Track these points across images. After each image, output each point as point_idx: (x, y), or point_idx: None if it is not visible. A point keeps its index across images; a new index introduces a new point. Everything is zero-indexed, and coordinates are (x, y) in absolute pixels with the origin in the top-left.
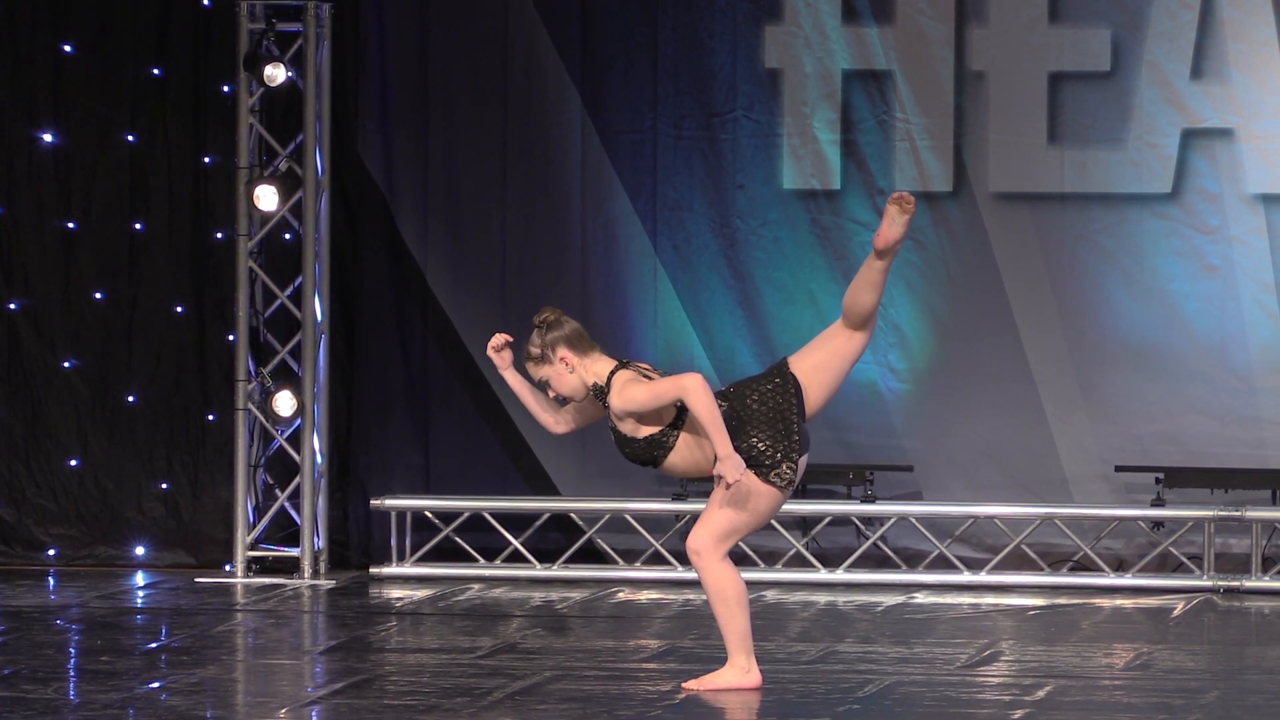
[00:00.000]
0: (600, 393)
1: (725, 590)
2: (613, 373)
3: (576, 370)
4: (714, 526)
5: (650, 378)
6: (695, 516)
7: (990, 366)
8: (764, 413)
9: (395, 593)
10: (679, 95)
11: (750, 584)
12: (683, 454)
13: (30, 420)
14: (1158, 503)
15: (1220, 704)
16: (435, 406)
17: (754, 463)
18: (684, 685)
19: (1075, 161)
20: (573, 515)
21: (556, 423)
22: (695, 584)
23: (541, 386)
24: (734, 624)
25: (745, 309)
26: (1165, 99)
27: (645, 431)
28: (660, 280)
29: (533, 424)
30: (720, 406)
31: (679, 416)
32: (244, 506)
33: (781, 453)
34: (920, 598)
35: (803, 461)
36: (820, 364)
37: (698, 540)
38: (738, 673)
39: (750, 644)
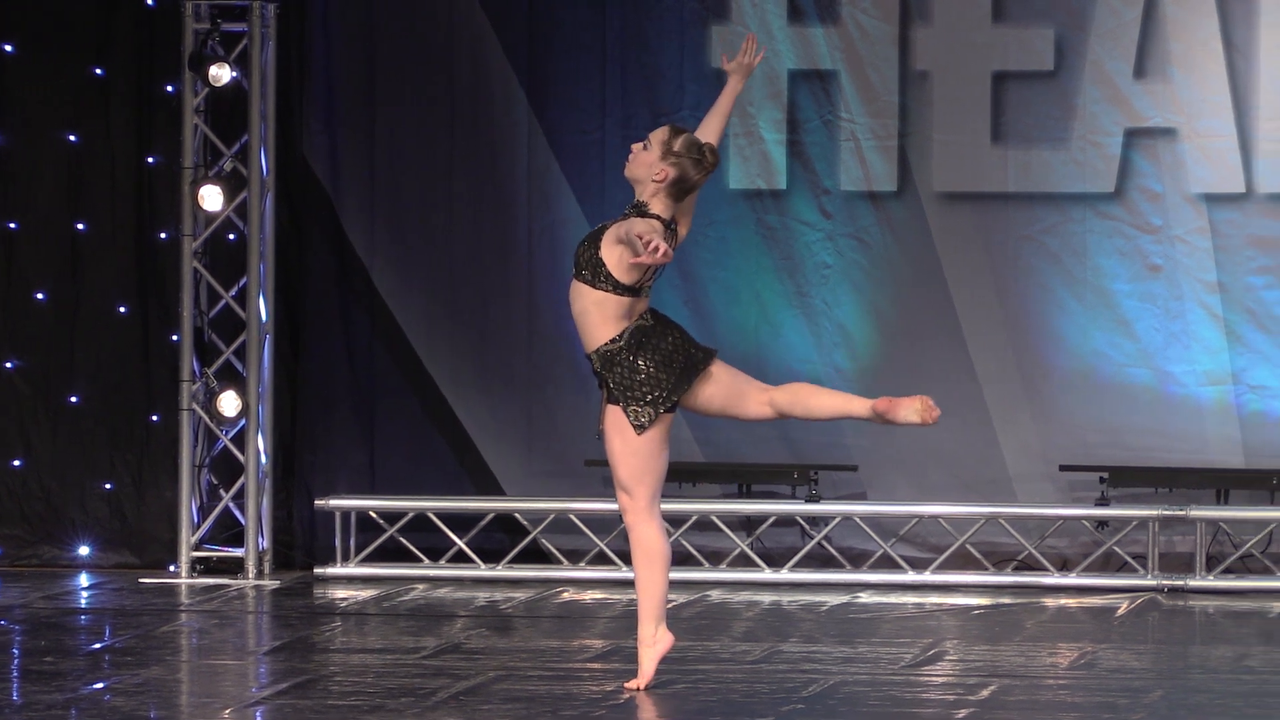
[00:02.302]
0: (638, 208)
1: (646, 554)
2: (659, 217)
3: (654, 184)
4: (619, 478)
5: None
6: None
7: (935, 366)
8: (671, 355)
9: (340, 593)
10: (626, 95)
11: (694, 584)
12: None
13: None
14: (1102, 502)
15: (1164, 703)
16: (380, 406)
17: (625, 389)
18: (625, 686)
19: (1019, 161)
20: (517, 515)
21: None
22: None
23: (646, 140)
24: (647, 590)
25: (691, 309)
26: (1108, 98)
27: (615, 270)
28: None
29: (479, 423)
30: (645, 321)
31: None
32: (188, 507)
33: (654, 397)
34: (864, 597)
35: (664, 423)
36: (727, 385)
37: (620, 500)
38: (646, 648)
39: (661, 610)
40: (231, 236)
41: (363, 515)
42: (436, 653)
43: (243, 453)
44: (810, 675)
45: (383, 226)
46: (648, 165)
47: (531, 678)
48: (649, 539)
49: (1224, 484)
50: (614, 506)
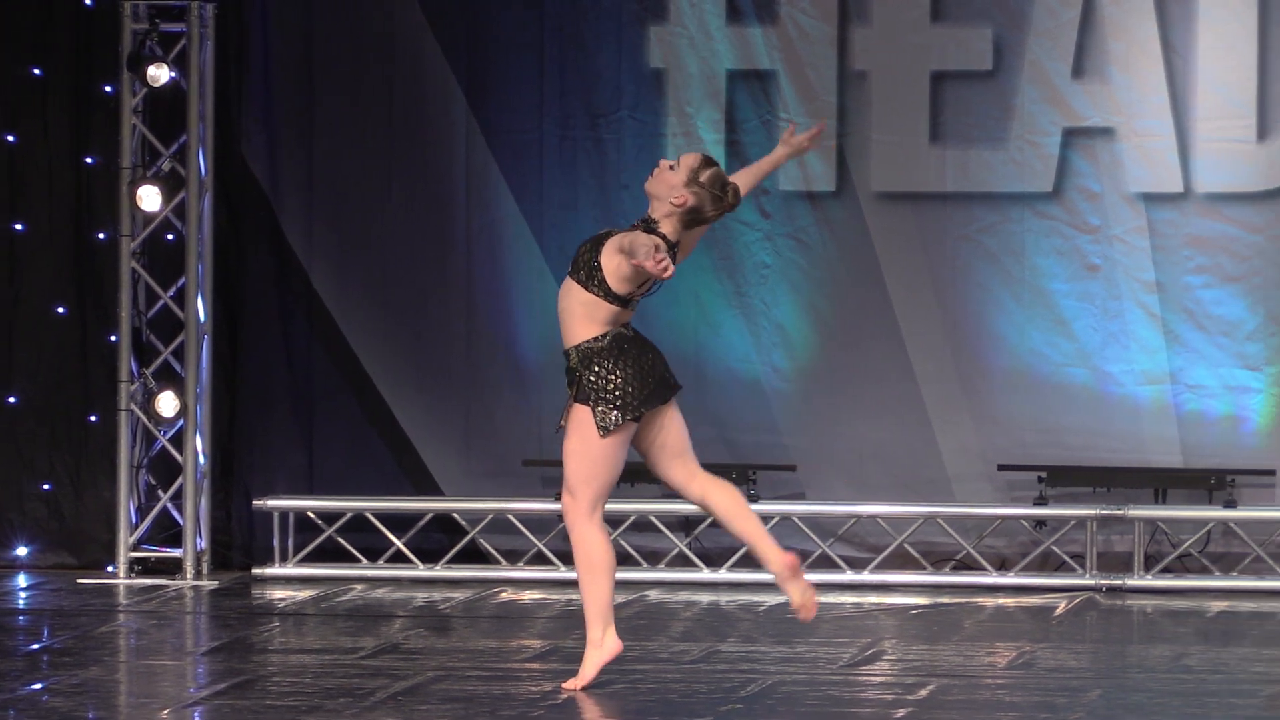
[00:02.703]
0: (647, 223)
1: (590, 558)
2: (665, 238)
3: (670, 205)
4: (569, 476)
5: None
6: None
7: (873, 366)
8: (649, 370)
9: (278, 593)
10: (564, 95)
11: (633, 584)
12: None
13: None
14: (1040, 501)
15: (1103, 703)
16: (319, 407)
17: (597, 389)
18: (563, 686)
19: (957, 161)
20: (456, 515)
21: None
22: (577, 584)
23: (673, 162)
24: (593, 594)
25: None
26: (1046, 98)
27: (610, 278)
28: (545, 281)
29: (417, 424)
30: (627, 332)
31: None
32: (126, 507)
33: (624, 403)
34: None
35: (626, 432)
36: (675, 435)
37: (565, 500)
38: (593, 651)
39: (609, 614)
40: (170, 237)
41: (301, 515)
42: (375, 653)
43: (181, 453)
44: (748, 675)
45: (321, 226)
46: (670, 186)
47: (470, 678)
48: (589, 543)
49: (1162, 483)
50: (553, 507)
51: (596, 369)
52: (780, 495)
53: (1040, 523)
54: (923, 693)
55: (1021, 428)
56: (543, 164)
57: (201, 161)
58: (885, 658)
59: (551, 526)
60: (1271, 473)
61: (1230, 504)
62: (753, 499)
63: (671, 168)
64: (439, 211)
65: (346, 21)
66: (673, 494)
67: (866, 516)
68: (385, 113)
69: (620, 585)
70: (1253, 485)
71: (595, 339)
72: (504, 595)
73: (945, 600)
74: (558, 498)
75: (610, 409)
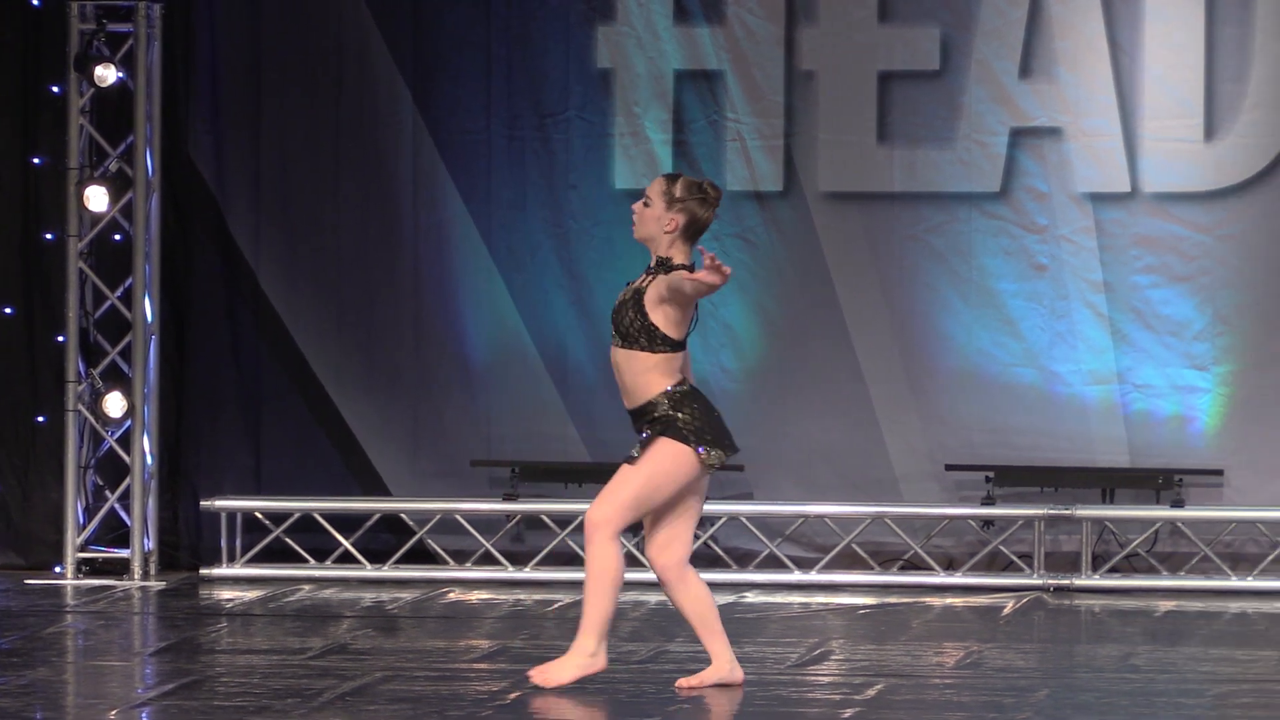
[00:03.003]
0: (667, 267)
1: (607, 572)
2: (684, 266)
3: (667, 236)
4: (621, 495)
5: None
6: (525, 518)
7: (821, 366)
8: (721, 420)
9: (225, 594)
10: (512, 95)
11: (580, 584)
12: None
13: None
14: (988, 501)
15: (1050, 702)
16: (266, 407)
17: (696, 429)
18: (530, 674)
19: (904, 161)
20: (403, 516)
21: None
22: (525, 584)
23: (644, 198)
24: (599, 606)
25: (578, 309)
26: (994, 98)
27: (667, 329)
28: (493, 280)
29: (364, 424)
30: (686, 383)
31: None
32: (74, 508)
33: (724, 442)
34: (750, 597)
35: (705, 479)
36: (694, 507)
37: (600, 513)
38: (583, 658)
39: (606, 630)
40: (117, 237)
41: (248, 516)
42: (322, 653)
43: (128, 454)
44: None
45: (268, 226)
46: (656, 219)
47: (418, 678)
48: (609, 556)
49: (1109, 483)
50: (500, 506)
51: (690, 410)
52: (728, 495)
53: (988, 523)
54: (870, 692)
55: (969, 428)
56: (490, 164)
57: (149, 162)
58: (833, 658)
59: (499, 526)
60: (1219, 472)
61: (1178, 504)
62: None
63: (646, 203)
64: (386, 211)
65: (293, 22)
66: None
67: (814, 516)
68: (332, 113)
69: (567, 586)
70: (1200, 485)
71: (678, 384)
72: (452, 595)
73: (893, 600)
74: (504, 497)
75: (713, 448)
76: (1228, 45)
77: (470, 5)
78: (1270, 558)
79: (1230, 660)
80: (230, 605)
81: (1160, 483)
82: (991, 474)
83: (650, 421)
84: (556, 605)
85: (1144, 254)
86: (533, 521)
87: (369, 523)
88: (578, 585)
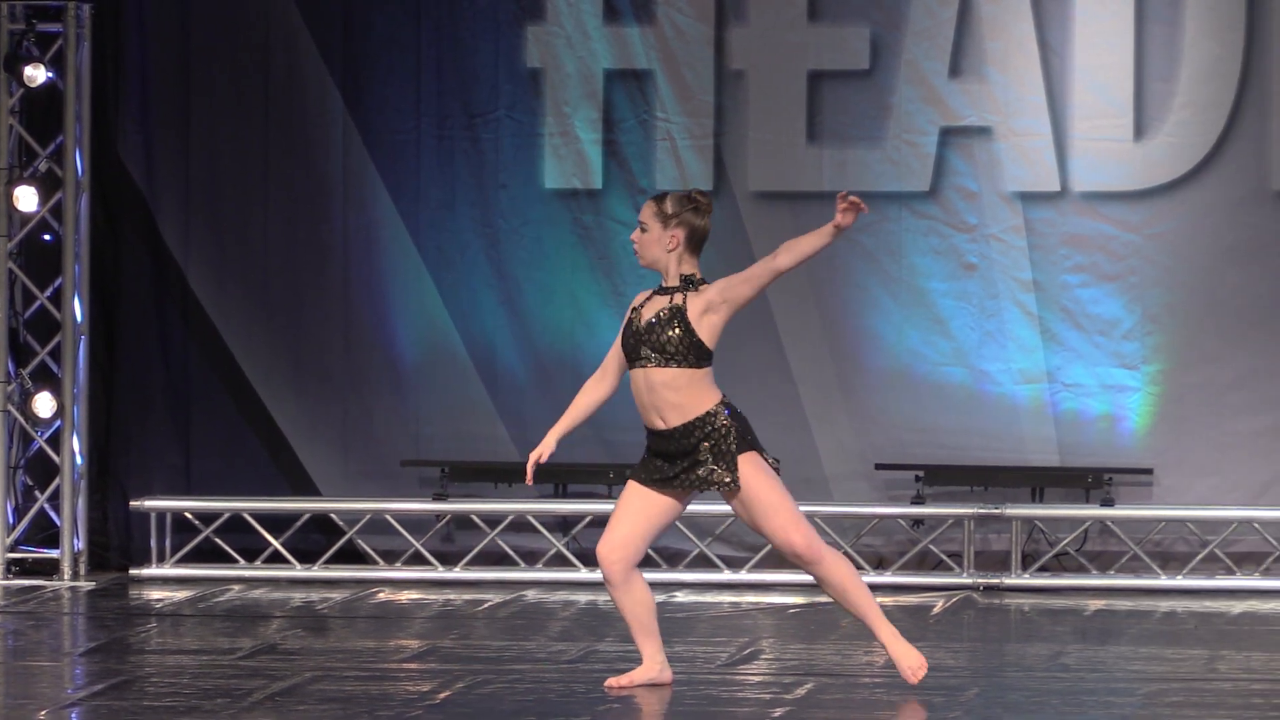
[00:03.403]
0: (691, 282)
1: (852, 574)
2: (697, 275)
3: (673, 253)
4: (793, 513)
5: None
6: (455, 518)
7: (751, 366)
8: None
9: (155, 594)
10: (442, 95)
11: (510, 584)
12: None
13: None
14: (918, 501)
15: (980, 701)
16: (196, 407)
17: (752, 439)
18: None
19: (834, 160)
20: (333, 516)
21: (603, 383)
22: (456, 584)
23: (640, 224)
24: (870, 604)
25: (507, 308)
26: (924, 97)
27: (707, 341)
28: (423, 280)
29: (293, 424)
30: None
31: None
32: (3, 508)
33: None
34: (681, 596)
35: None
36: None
37: (802, 538)
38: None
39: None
40: (47, 237)
41: (178, 516)
42: (252, 653)
43: (58, 454)
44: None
45: (198, 227)
46: (656, 241)
47: (348, 678)
48: (842, 561)
49: (1039, 482)
50: (430, 506)
51: (743, 420)
52: None
53: (918, 522)
54: (800, 691)
55: (899, 427)
56: (420, 164)
57: (78, 162)
58: (763, 657)
59: (429, 526)
60: (1149, 471)
61: (1107, 503)
62: None
63: (643, 229)
64: (316, 211)
65: (223, 23)
66: (550, 494)
67: None
68: (262, 113)
69: (498, 585)
70: (1130, 484)
71: (724, 397)
72: (381, 595)
73: (822, 599)
74: (434, 497)
75: (767, 455)
76: (1157, 45)
77: (399, 5)
78: (1199, 557)
79: (1159, 659)
80: (160, 605)
81: (1090, 482)
82: (921, 473)
83: (709, 434)
84: (486, 605)
85: (1073, 253)
86: (462, 521)
87: (299, 523)
88: (508, 584)
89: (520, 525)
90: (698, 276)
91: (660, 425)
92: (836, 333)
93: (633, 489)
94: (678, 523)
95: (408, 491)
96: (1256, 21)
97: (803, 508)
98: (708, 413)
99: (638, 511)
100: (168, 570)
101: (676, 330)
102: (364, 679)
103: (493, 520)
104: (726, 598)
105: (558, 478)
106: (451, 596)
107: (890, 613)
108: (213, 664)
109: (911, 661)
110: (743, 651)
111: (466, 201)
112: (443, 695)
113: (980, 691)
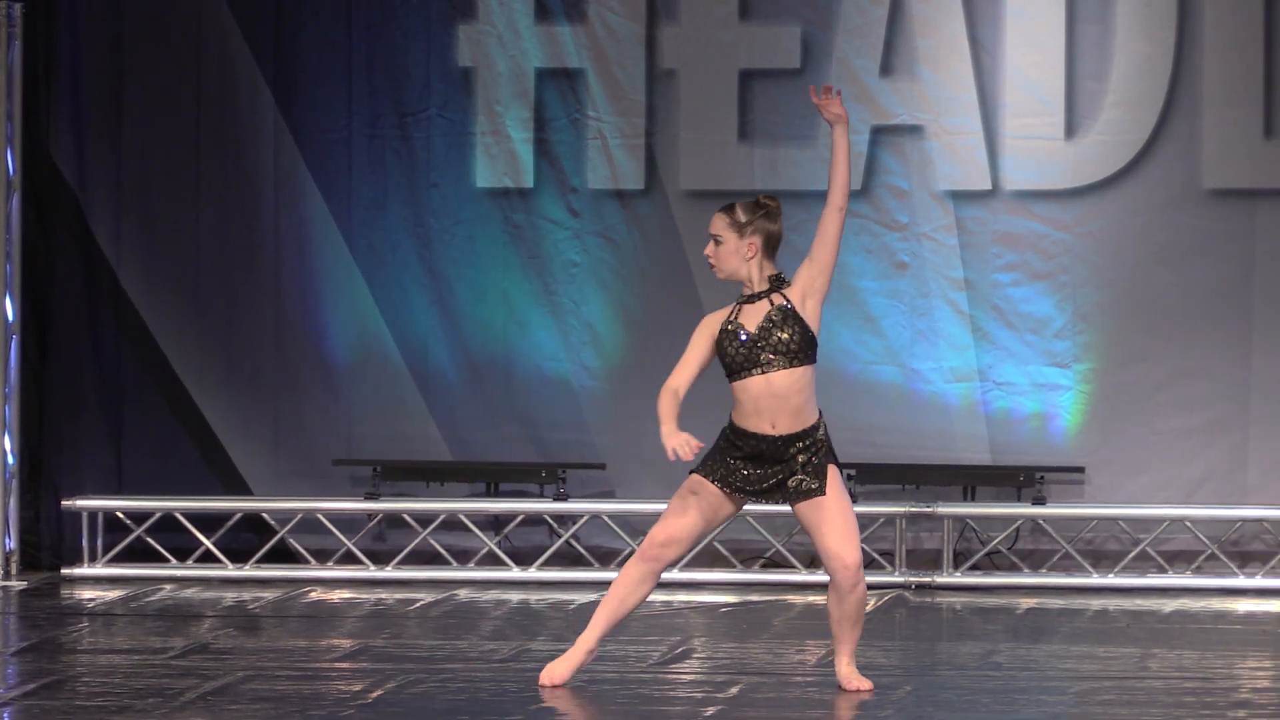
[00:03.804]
0: (782, 280)
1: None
2: (781, 276)
3: (752, 261)
4: (856, 538)
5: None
6: (387, 517)
7: None
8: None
9: (87, 594)
10: (373, 94)
11: (442, 583)
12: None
13: None
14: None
15: (912, 700)
16: (128, 406)
17: (833, 449)
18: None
19: (765, 159)
20: (265, 515)
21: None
22: (387, 583)
23: (713, 237)
24: (859, 634)
25: (439, 308)
26: (855, 96)
27: (815, 326)
28: (354, 279)
29: (225, 423)
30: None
31: None
32: None
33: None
34: None
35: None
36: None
37: (856, 561)
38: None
39: None
40: None
41: (110, 515)
42: (184, 653)
43: None
44: None
45: (130, 226)
46: (735, 251)
47: (280, 678)
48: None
49: (971, 481)
50: (362, 505)
51: (828, 433)
52: (590, 493)
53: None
54: (732, 691)
55: (831, 425)
56: (351, 163)
57: (10, 161)
58: (695, 656)
59: (360, 526)
60: (1080, 470)
61: (1039, 501)
62: (562, 497)
63: (718, 241)
64: (247, 211)
65: (155, 23)
66: (482, 493)
67: None
68: (193, 113)
69: (430, 584)
70: (1061, 482)
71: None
72: (313, 595)
73: (755, 598)
74: (366, 496)
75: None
76: (1088, 43)
77: (330, 5)
78: (1131, 555)
79: (1091, 657)
80: (92, 605)
81: (1021, 480)
82: (853, 472)
83: (808, 446)
84: (418, 604)
85: (1005, 252)
86: (394, 520)
87: (230, 522)
88: (440, 584)
89: (452, 524)
90: (783, 274)
91: (769, 431)
92: None
93: (708, 490)
94: (609, 521)
95: (339, 491)
96: (1187, 20)
97: None
98: (814, 425)
99: (705, 515)
100: (99, 570)
101: (795, 329)
102: (296, 678)
103: (424, 519)
104: (658, 596)
105: (489, 476)
106: (383, 595)
107: (821, 611)
108: (145, 663)
109: (860, 685)
110: (675, 650)
111: (398, 200)
112: (375, 694)
113: (912, 690)
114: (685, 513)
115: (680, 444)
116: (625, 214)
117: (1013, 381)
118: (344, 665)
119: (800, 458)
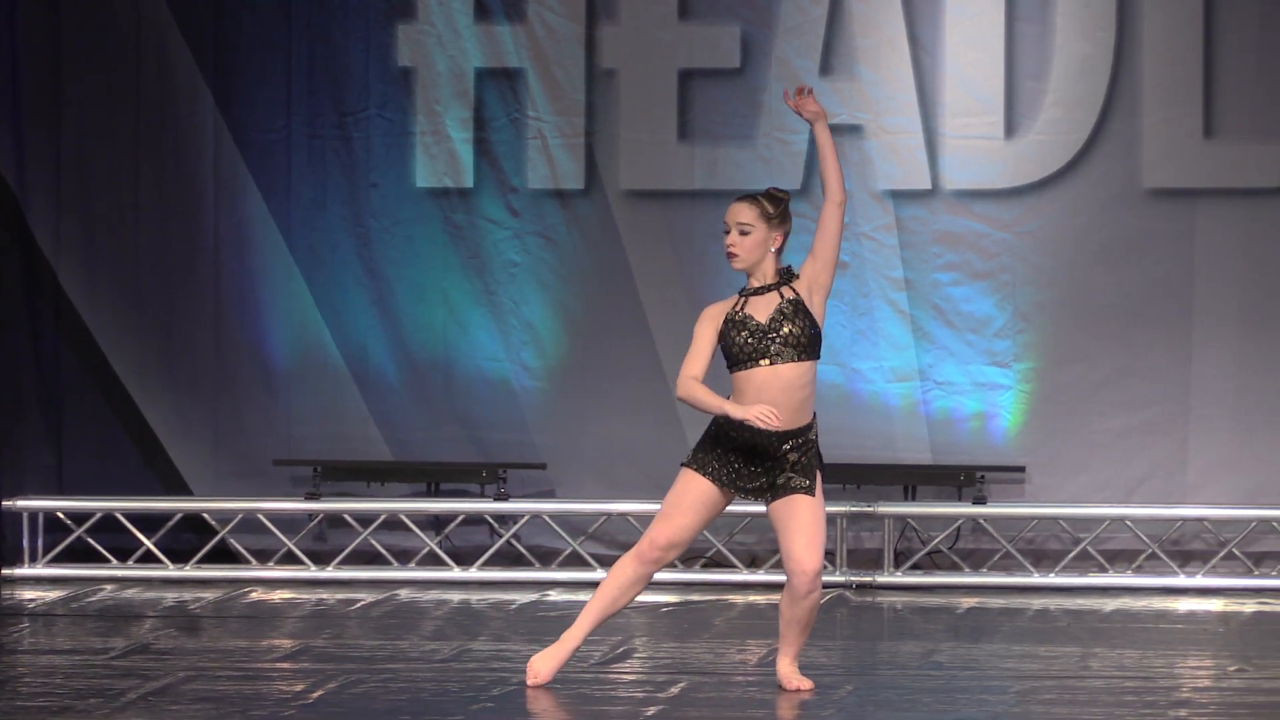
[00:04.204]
0: (791, 273)
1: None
2: (791, 271)
3: (774, 252)
4: (822, 544)
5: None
6: (327, 517)
7: (623, 364)
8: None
9: (27, 594)
10: (312, 94)
11: (383, 583)
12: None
13: None
14: None
15: (854, 699)
16: (68, 406)
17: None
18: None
19: (705, 159)
20: (205, 515)
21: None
22: (328, 584)
23: (739, 226)
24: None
25: (379, 308)
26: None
27: (820, 320)
28: (294, 279)
29: (165, 424)
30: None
31: None
32: None
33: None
34: (554, 595)
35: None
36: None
37: (818, 567)
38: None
39: None
40: None
41: (50, 516)
42: (125, 653)
43: None
44: (500, 674)
45: (70, 225)
46: (762, 242)
47: (221, 678)
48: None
49: (912, 480)
50: (302, 506)
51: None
52: (530, 493)
53: None
54: (674, 690)
55: None
56: (291, 163)
57: None
58: (636, 655)
59: (301, 526)
60: (1021, 469)
61: (980, 500)
62: (502, 497)
63: (744, 231)
64: (187, 211)
65: (95, 22)
66: (423, 493)
67: (617, 514)
68: (133, 113)
69: (371, 585)
70: (1002, 481)
71: None
72: (254, 595)
73: (696, 598)
74: (307, 496)
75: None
76: (1028, 43)
77: (270, 4)
78: (1072, 554)
79: (1032, 656)
80: (32, 605)
81: (962, 480)
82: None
83: (800, 445)
84: (359, 604)
85: (945, 251)
86: (335, 520)
87: (171, 522)
88: (381, 584)
89: (393, 524)
90: (791, 268)
91: (782, 425)
92: None
93: (702, 486)
94: (549, 521)
95: (280, 491)
96: (1127, 20)
97: None
98: (808, 425)
99: (702, 514)
100: (40, 570)
101: (805, 323)
102: (237, 679)
103: (365, 519)
104: None
105: (430, 476)
106: (324, 596)
107: (763, 611)
108: (85, 664)
109: (801, 684)
110: (616, 650)
111: (338, 200)
112: (316, 695)
113: (853, 689)
114: (685, 513)
115: (764, 411)
116: (565, 214)
117: (953, 381)
118: (285, 665)
119: (791, 456)
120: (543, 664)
